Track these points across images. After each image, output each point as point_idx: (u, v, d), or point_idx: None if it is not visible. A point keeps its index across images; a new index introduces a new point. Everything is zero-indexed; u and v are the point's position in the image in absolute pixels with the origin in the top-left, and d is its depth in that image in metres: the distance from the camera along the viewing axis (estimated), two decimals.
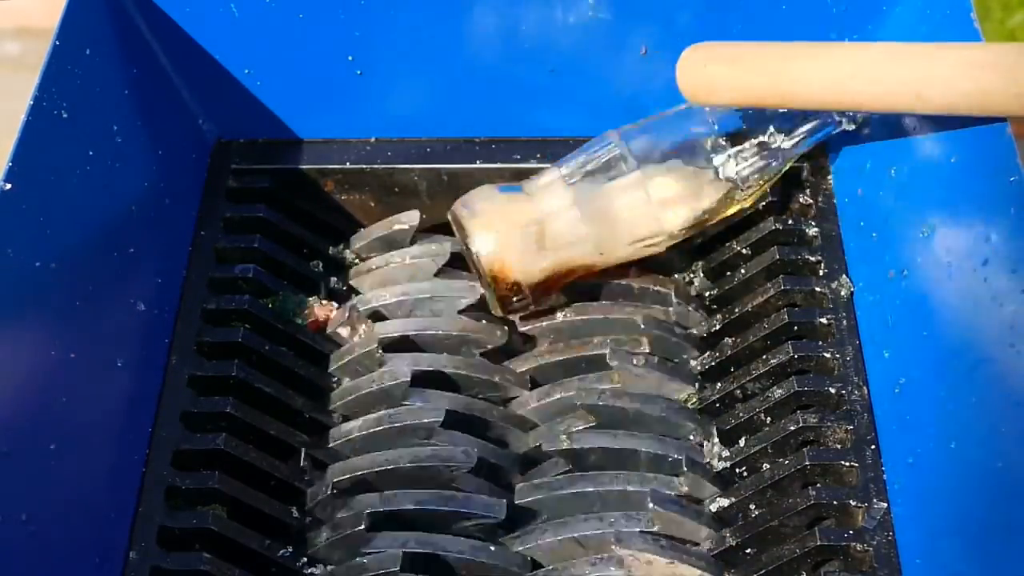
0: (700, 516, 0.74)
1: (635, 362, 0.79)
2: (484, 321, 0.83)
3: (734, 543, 0.73)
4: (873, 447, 0.73)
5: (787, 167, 0.81)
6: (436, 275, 0.85)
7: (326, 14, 0.84)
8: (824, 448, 0.74)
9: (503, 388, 0.81)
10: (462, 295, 0.84)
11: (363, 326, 0.83)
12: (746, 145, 0.79)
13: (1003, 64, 0.66)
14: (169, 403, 0.77)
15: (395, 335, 0.82)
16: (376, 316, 0.84)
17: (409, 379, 0.78)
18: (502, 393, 0.81)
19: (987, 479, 0.65)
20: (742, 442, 0.76)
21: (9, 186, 0.68)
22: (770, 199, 0.84)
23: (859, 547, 0.70)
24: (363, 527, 0.73)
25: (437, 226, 0.89)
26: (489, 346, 0.82)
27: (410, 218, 0.87)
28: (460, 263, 0.85)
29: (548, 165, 0.83)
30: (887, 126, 0.82)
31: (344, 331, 0.83)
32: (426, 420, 0.77)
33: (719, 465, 0.76)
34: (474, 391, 0.81)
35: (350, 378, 0.82)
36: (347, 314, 0.83)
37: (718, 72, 0.78)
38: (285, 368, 0.81)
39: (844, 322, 0.79)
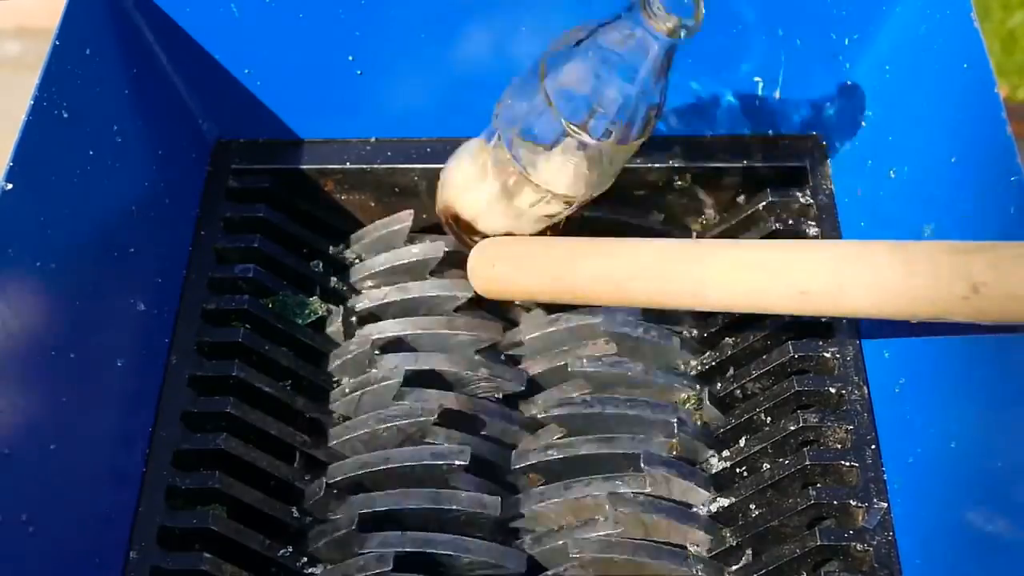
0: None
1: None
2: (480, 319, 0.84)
3: (734, 543, 0.73)
4: (873, 447, 0.73)
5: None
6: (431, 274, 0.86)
7: (326, 14, 0.84)
8: (824, 448, 0.74)
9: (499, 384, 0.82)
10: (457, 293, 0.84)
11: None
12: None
13: (774, 265, 0.66)
14: (169, 403, 0.77)
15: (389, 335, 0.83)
16: (372, 317, 0.85)
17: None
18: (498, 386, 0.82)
19: (987, 479, 0.65)
20: (742, 442, 0.76)
21: (9, 186, 0.68)
22: (770, 199, 0.85)
23: (859, 547, 0.70)
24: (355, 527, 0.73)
25: (436, 226, 0.89)
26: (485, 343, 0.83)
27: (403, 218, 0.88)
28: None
29: None
30: (887, 125, 0.82)
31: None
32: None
33: (719, 465, 0.76)
34: (469, 388, 0.81)
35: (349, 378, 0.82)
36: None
37: (505, 272, 0.79)
38: (285, 368, 0.81)
39: (844, 322, 0.79)
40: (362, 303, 0.85)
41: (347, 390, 0.81)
